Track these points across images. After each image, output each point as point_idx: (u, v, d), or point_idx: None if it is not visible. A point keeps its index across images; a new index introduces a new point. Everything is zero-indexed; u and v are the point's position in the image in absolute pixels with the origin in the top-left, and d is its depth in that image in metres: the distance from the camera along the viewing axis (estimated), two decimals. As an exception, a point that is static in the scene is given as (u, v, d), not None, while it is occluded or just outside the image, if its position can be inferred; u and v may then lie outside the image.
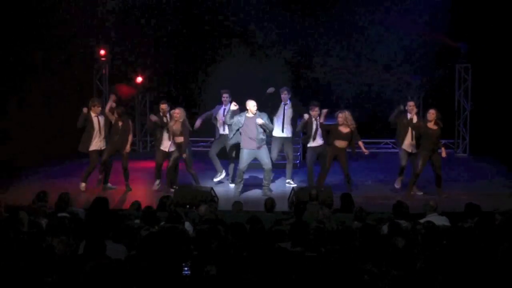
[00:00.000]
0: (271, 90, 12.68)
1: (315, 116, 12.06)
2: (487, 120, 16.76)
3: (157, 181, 12.21)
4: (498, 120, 16.40)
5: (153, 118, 12.21)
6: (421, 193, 11.69)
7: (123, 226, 6.89)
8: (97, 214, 7.99)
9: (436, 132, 11.40)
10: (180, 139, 11.95)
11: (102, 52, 17.33)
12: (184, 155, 12.01)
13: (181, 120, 11.92)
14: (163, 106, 12.37)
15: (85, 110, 12.02)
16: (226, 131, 12.54)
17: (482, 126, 17.00)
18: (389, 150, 18.48)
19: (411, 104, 12.01)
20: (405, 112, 12.07)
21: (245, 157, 11.70)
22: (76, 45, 16.27)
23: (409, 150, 11.85)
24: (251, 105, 11.67)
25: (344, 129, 11.67)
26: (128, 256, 5.97)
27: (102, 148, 12.14)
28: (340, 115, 11.70)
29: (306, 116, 12.12)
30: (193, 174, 12.22)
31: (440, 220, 7.85)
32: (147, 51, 17.92)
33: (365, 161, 15.92)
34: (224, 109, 12.66)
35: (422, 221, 7.52)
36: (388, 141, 18.77)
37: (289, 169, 12.87)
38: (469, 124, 17.64)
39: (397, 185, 12.28)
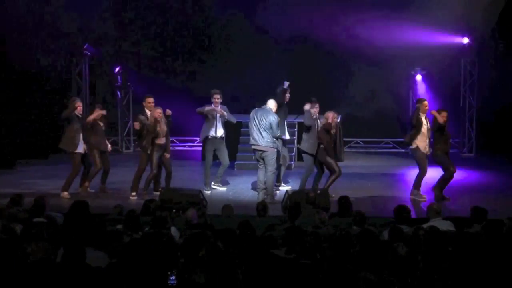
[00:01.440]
0: (286, 84, 12.58)
1: (316, 114, 12.03)
2: (495, 117, 16.83)
3: (134, 193, 11.89)
4: (506, 118, 16.46)
5: (137, 126, 11.95)
6: (425, 196, 11.71)
7: (104, 231, 6.88)
8: (76, 219, 7.97)
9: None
10: (162, 140, 11.90)
11: (86, 45, 17.35)
12: (167, 155, 12.02)
13: (164, 121, 11.87)
14: (150, 100, 12.15)
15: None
16: (218, 134, 12.55)
17: (489, 124, 17.06)
18: (390, 150, 18.55)
19: (426, 104, 11.76)
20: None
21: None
22: (55, 38, 16.30)
23: (427, 153, 11.72)
24: (275, 104, 11.75)
25: (332, 130, 11.69)
26: (109, 264, 5.97)
27: (86, 152, 12.05)
28: (330, 115, 11.64)
29: (307, 106, 12.06)
30: (169, 173, 12.15)
31: (444, 225, 7.86)
32: (131, 44, 18.00)
33: (364, 162, 15.99)
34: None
35: (425, 226, 7.52)
36: (389, 140, 18.83)
37: (282, 171, 12.90)
38: (475, 122, 17.68)
39: (420, 198, 11.60)
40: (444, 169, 11.55)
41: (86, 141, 11.99)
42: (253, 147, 11.74)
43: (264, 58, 17.60)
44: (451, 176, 11.51)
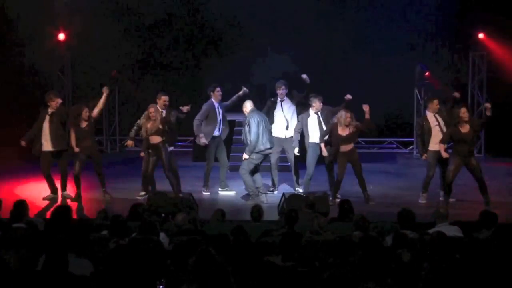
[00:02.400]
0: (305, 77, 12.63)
1: (317, 110, 12.10)
2: (505, 116, 16.82)
3: (143, 193, 12.10)
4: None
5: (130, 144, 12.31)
6: (425, 201, 11.69)
7: (88, 238, 6.87)
8: (58, 224, 7.95)
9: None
10: (157, 139, 11.92)
11: (61, 36, 17.22)
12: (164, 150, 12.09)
13: (158, 119, 11.88)
14: (165, 99, 12.15)
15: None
16: (222, 133, 12.71)
17: (499, 123, 17.04)
18: (393, 150, 18.57)
19: (436, 103, 11.79)
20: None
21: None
22: (35, 29, 16.21)
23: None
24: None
25: (343, 131, 11.66)
26: (93, 272, 5.96)
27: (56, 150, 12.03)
28: (348, 114, 11.67)
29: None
30: (167, 176, 12.17)
31: (451, 230, 7.87)
32: (117, 39, 17.94)
33: (366, 163, 15.98)
34: (218, 105, 12.65)
35: (431, 231, 7.54)
36: (392, 140, 18.84)
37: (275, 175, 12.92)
38: (484, 121, 17.69)
39: (423, 200, 11.86)
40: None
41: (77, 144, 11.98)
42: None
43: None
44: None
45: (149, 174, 12.14)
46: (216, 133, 12.68)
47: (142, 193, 12.07)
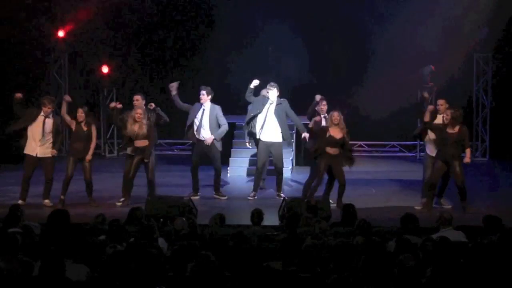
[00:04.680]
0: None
1: (323, 112, 12.08)
2: (511, 118, 16.84)
3: (123, 198, 11.93)
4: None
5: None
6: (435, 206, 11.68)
7: (85, 243, 6.87)
8: (55, 229, 7.95)
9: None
10: (143, 143, 11.84)
11: (61, 33, 17.16)
12: (146, 160, 11.91)
13: (144, 121, 11.78)
14: (134, 98, 12.05)
15: (18, 95, 11.68)
16: (204, 136, 12.44)
17: (504, 126, 17.06)
18: (396, 154, 18.55)
19: (441, 103, 11.61)
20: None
21: None
22: (29, 30, 16.23)
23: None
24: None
25: (338, 134, 11.59)
26: (91, 278, 5.96)
27: (44, 156, 11.90)
28: (335, 114, 11.58)
29: (318, 97, 12.15)
30: (151, 181, 12.13)
31: (455, 235, 7.87)
32: (113, 37, 17.97)
33: (369, 167, 15.98)
34: (204, 108, 12.46)
35: (434, 236, 7.55)
36: (394, 143, 18.82)
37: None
38: (489, 124, 17.68)
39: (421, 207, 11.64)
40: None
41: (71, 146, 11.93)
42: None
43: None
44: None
45: (130, 178, 11.98)
46: (201, 137, 12.49)
47: (122, 199, 11.94)
